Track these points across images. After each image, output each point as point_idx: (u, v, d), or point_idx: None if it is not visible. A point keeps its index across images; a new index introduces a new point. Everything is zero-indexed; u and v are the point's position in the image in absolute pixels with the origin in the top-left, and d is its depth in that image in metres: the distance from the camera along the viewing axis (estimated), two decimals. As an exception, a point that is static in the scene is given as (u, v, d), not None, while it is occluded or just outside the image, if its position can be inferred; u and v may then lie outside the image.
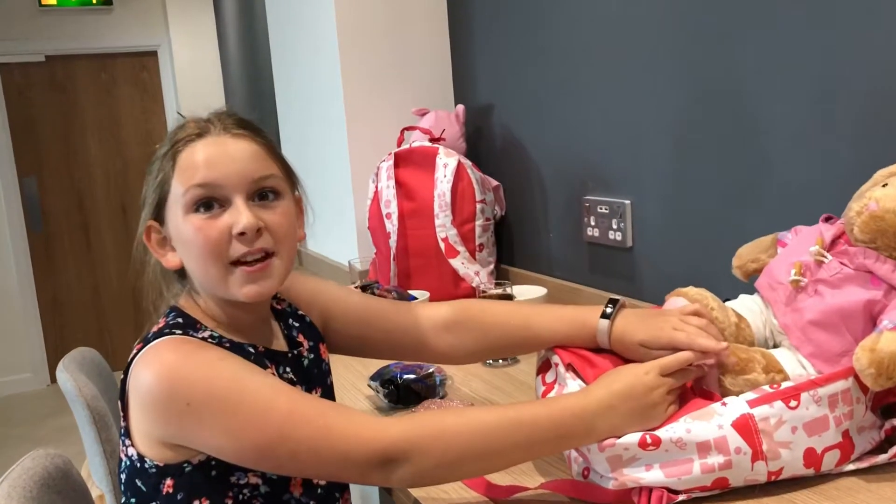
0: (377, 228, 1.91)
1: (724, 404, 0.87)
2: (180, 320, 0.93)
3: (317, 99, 2.28)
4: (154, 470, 0.87)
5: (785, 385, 0.89)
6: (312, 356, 1.05)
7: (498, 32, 1.93)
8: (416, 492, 0.97)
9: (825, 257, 0.97)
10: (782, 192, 1.24)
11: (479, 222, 1.85)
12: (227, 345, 0.92)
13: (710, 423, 0.85)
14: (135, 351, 0.89)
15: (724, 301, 1.08)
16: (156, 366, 0.84)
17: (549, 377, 1.04)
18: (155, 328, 0.92)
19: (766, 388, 0.89)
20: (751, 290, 1.11)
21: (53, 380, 5.13)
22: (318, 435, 0.82)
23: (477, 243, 1.85)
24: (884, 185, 0.94)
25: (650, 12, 1.42)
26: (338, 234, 2.24)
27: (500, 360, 1.40)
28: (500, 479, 0.95)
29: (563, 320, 1.03)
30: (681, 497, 0.86)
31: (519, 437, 0.86)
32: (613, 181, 1.59)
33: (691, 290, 1.07)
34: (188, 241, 0.90)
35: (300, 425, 0.82)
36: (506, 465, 0.92)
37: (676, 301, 1.07)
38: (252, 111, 4.32)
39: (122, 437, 0.91)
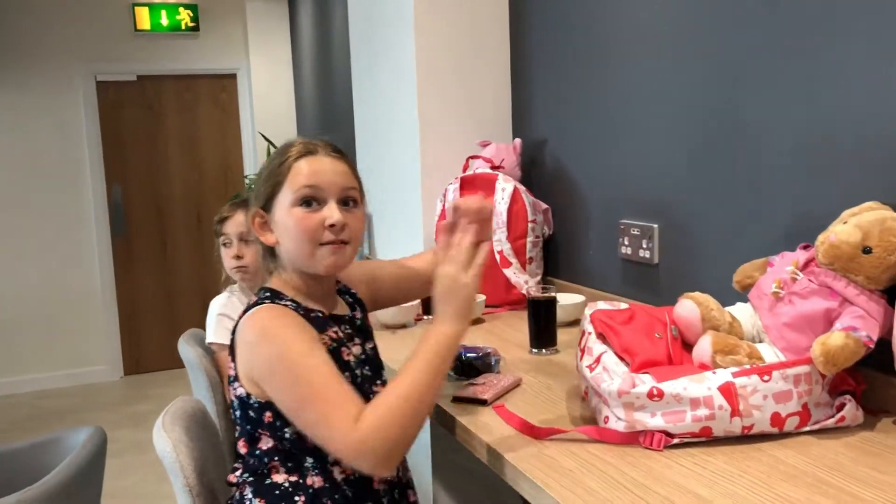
0: (442, 241, 2.22)
1: (714, 373, 1.16)
2: (268, 294, 1.26)
3: (395, 130, 2.59)
4: (257, 404, 1.19)
5: (761, 366, 1.18)
6: (360, 322, 1.38)
7: (552, 78, 2.23)
8: (472, 428, 1.28)
9: (798, 275, 1.27)
10: (776, 224, 1.51)
11: (529, 239, 2.15)
12: (302, 312, 1.23)
13: (702, 384, 1.15)
14: (238, 317, 1.24)
15: (725, 307, 1.38)
16: (254, 322, 1.18)
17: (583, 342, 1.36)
18: (252, 301, 1.26)
19: (747, 366, 1.19)
20: (746, 300, 1.40)
21: (127, 372, 5.47)
22: (320, 419, 1.10)
23: (527, 257, 2.14)
24: (844, 223, 1.23)
25: (674, 77, 1.74)
26: (408, 245, 2.56)
27: (544, 350, 1.70)
28: (539, 424, 1.25)
29: (422, 260, 1.52)
30: (675, 441, 1.15)
31: (429, 376, 1.12)
32: (644, 208, 1.89)
33: (698, 294, 1.37)
34: (291, 227, 1.22)
35: (315, 403, 1.10)
36: (434, 399, 1.15)
37: (684, 303, 1.37)
38: (322, 129, 4.69)
39: (231, 382, 1.23)
